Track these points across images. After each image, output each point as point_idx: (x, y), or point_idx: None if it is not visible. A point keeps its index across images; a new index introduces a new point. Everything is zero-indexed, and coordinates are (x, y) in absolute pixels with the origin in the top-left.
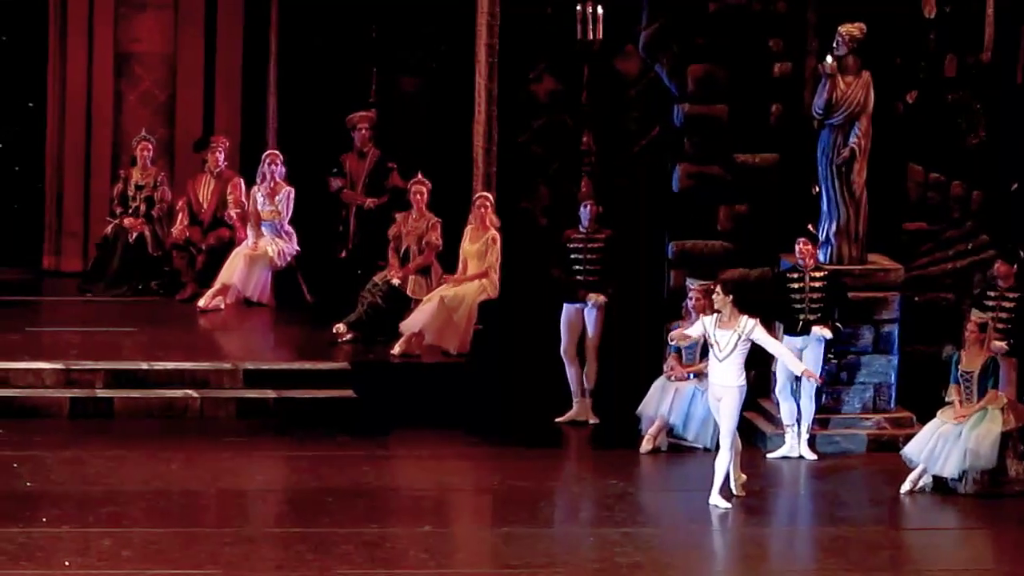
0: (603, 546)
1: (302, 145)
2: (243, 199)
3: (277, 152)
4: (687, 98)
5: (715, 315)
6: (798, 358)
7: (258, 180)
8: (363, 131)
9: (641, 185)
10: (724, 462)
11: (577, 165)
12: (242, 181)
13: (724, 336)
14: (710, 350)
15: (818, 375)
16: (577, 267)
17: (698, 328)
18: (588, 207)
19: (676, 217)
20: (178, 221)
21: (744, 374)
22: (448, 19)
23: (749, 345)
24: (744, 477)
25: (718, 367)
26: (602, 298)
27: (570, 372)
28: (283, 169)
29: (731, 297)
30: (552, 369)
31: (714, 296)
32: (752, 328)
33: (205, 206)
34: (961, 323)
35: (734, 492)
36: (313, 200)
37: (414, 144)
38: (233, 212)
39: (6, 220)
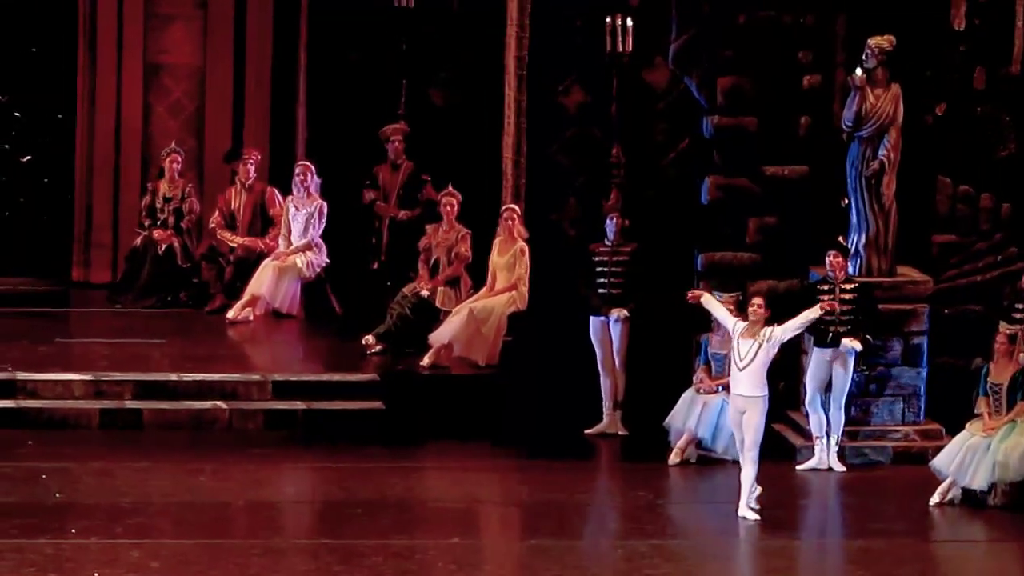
0: (631, 558)
1: (331, 157)
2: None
3: (309, 164)
4: (716, 110)
5: (743, 323)
6: (828, 371)
7: (292, 191)
8: (396, 143)
9: (670, 197)
10: (751, 474)
11: (606, 177)
12: (276, 192)
13: (746, 345)
14: (731, 361)
15: (848, 389)
16: (602, 280)
17: (729, 320)
18: (613, 220)
19: (705, 229)
20: (211, 220)
21: (767, 384)
22: (478, 31)
23: (773, 354)
24: (759, 489)
25: (739, 377)
26: (624, 312)
27: (604, 384)
28: (317, 181)
29: (768, 312)
30: (581, 381)
31: (755, 307)
32: (771, 332)
33: (239, 218)
34: (990, 335)
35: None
36: (344, 212)
37: (443, 156)
38: (275, 242)
39: (36, 231)
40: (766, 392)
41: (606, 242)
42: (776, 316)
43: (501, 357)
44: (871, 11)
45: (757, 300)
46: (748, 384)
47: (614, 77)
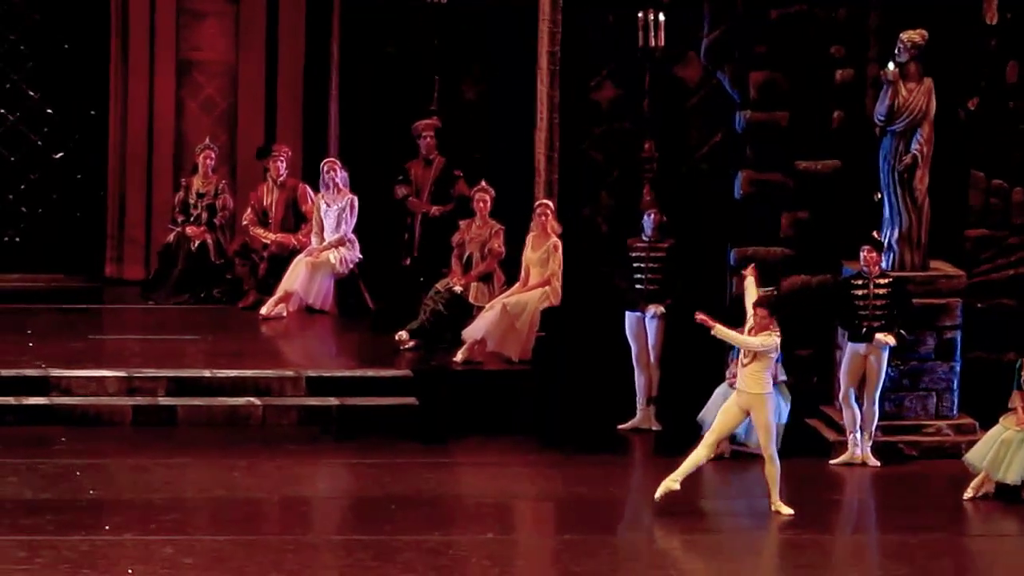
0: (666, 552)
1: (364, 153)
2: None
3: (335, 160)
4: (749, 105)
5: (748, 328)
6: (862, 366)
7: (321, 188)
8: (428, 139)
9: (702, 192)
10: (775, 470)
11: (638, 172)
12: (308, 188)
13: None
14: (740, 353)
15: (881, 383)
16: (638, 276)
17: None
18: (651, 216)
19: (738, 224)
20: (244, 217)
21: (771, 381)
22: (510, 27)
23: (775, 356)
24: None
25: (743, 372)
26: (661, 309)
27: (638, 379)
28: (345, 175)
29: (774, 319)
30: (614, 376)
31: (758, 316)
32: (768, 335)
33: (272, 215)
34: (1023, 329)
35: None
36: (376, 207)
37: (476, 152)
38: (307, 239)
39: (68, 228)
40: (770, 389)
41: (643, 237)
42: (807, 311)
43: (534, 352)
44: (903, 5)
45: (761, 311)
46: (751, 380)
47: (646, 72)
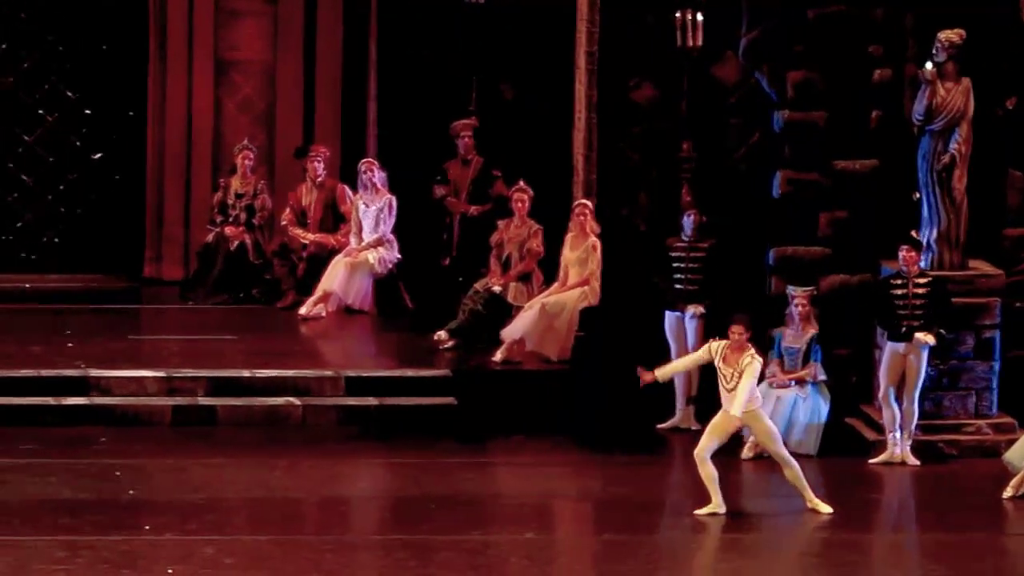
0: (706, 553)
1: (403, 153)
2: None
3: (372, 160)
4: (787, 104)
5: (724, 344)
6: (901, 365)
7: (359, 188)
8: (466, 139)
9: (740, 192)
10: (795, 470)
11: (676, 172)
12: (347, 189)
13: (728, 370)
14: (720, 379)
15: (920, 383)
16: (678, 276)
17: (702, 354)
18: (691, 216)
19: (776, 224)
20: (282, 217)
21: (757, 392)
22: (548, 27)
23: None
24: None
25: (728, 396)
26: (700, 309)
27: (678, 379)
28: (383, 175)
29: (750, 334)
30: None
31: (735, 334)
32: (750, 364)
33: (311, 215)
34: None
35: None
36: (414, 207)
37: (514, 152)
38: (346, 239)
39: (107, 229)
40: (759, 398)
41: (683, 237)
42: (845, 311)
43: (573, 352)
44: (941, 5)
45: (738, 328)
46: (739, 404)
47: (684, 72)
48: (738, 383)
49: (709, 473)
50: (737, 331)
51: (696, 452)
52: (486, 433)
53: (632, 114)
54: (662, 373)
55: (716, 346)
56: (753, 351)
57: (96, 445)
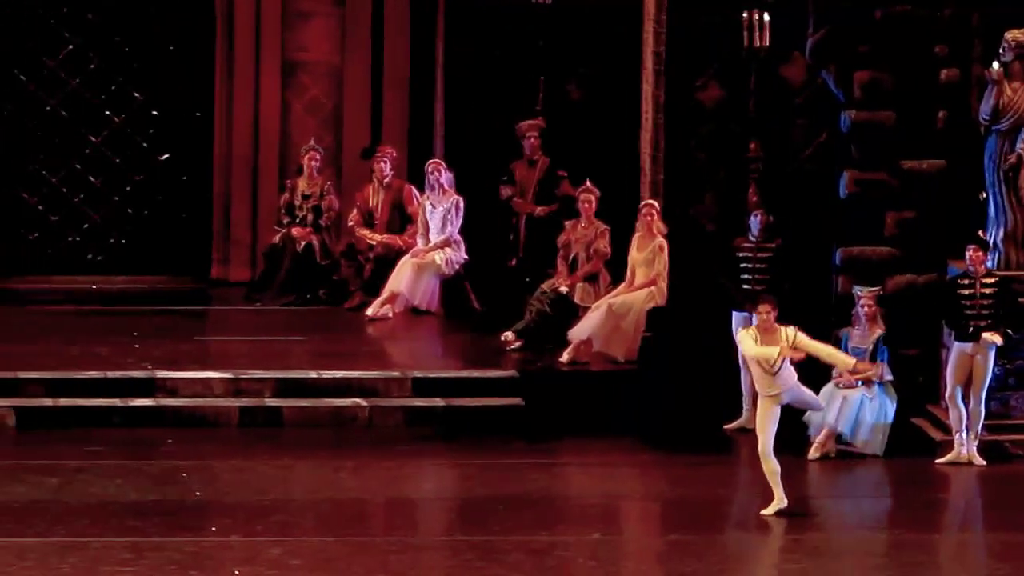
0: (772, 552)
1: (470, 153)
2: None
3: (440, 160)
4: (854, 104)
5: (755, 333)
6: (968, 365)
7: (426, 189)
8: (532, 139)
9: (807, 192)
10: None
11: (744, 172)
12: (414, 189)
13: (771, 351)
14: (760, 367)
15: (987, 383)
16: (745, 276)
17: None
18: (758, 216)
19: (843, 224)
20: (349, 218)
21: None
22: (615, 27)
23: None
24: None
25: (767, 380)
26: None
27: (745, 379)
28: (450, 175)
29: (776, 313)
30: (721, 376)
31: (763, 315)
32: (794, 336)
33: (378, 216)
34: None
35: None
36: (482, 208)
37: (581, 152)
38: (413, 240)
39: (174, 230)
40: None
41: (750, 238)
42: (913, 311)
43: (640, 352)
44: (1008, 4)
45: (764, 307)
46: (784, 384)
47: (751, 72)
48: (781, 364)
49: (772, 468)
50: (764, 310)
51: (760, 450)
52: (553, 434)
53: (699, 114)
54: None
55: (745, 335)
56: (786, 327)
57: (162, 446)
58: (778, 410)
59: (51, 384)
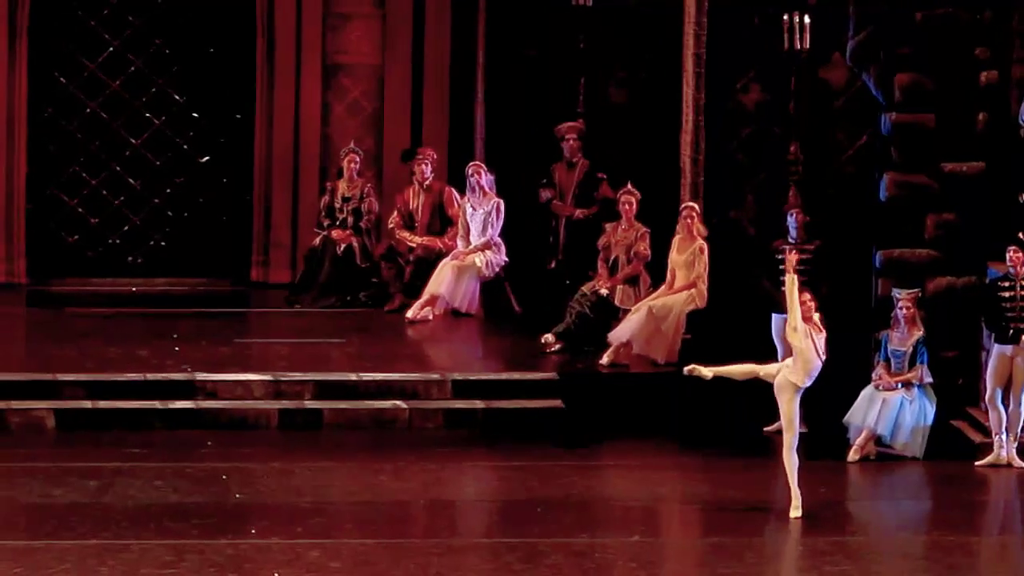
0: (812, 555)
1: (510, 156)
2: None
3: (480, 163)
4: (894, 107)
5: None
6: (1008, 368)
7: (467, 192)
8: (571, 141)
9: (848, 194)
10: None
11: (784, 175)
12: (455, 192)
13: (820, 340)
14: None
15: None
16: (784, 278)
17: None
18: (795, 216)
19: (883, 226)
20: (390, 220)
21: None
22: (655, 29)
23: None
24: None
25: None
26: None
27: None
28: (490, 178)
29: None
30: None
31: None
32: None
33: (418, 218)
34: None
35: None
36: (522, 211)
37: (622, 154)
38: (453, 242)
39: (214, 232)
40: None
41: (789, 239)
42: (953, 314)
43: (680, 355)
44: None
45: (810, 301)
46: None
47: (792, 75)
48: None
49: (793, 463)
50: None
51: (789, 445)
52: (593, 436)
53: (740, 117)
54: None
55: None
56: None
57: (202, 449)
58: (795, 394)
59: (91, 386)
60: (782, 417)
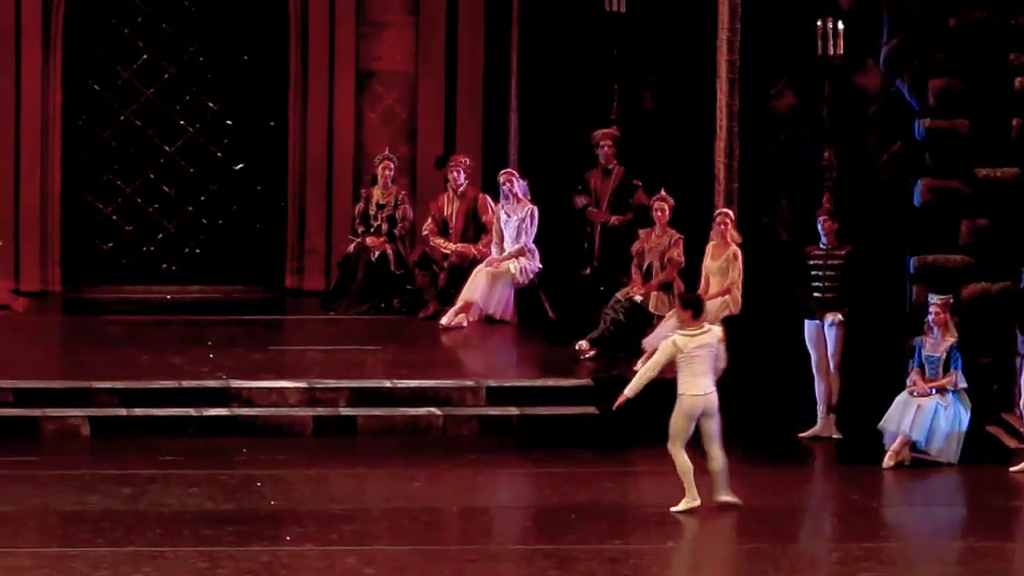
0: (846, 561)
1: (544, 162)
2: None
3: (512, 171)
4: (928, 112)
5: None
6: None
7: (500, 199)
8: (606, 148)
9: (882, 200)
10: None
11: (818, 180)
12: (488, 199)
13: (687, 348)
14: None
15: None
16: (816, 284)
17: (662, 356)
18: (823, 222)
19: (917, 232)
20: (424, 227)
21: (711, 383)
22: (689, 35)
23: (710, 354)
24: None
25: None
26: (839, 316)
27: (819, 387)
28: (524, 184)
29: (690, 311)
30: (795, 384)
31: (679, 312)
32: (710, 332)
33: (452, 225)
34: None
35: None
36: (557, 217)
37: (655, 160)
38: (487, 249)
39: (248, 239)
40: (711, 390)
41: (820, 245)
42: (987, 319)
43: None
44: None
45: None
46: (692, 383)
47: (825, 80)
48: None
49: (683, 464)
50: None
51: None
52: (627, 442)
53: (773, 123)
54: (631, 389)
55: (676, 340)
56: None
57: (237, 456)
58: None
59: (125, 394)
60: None
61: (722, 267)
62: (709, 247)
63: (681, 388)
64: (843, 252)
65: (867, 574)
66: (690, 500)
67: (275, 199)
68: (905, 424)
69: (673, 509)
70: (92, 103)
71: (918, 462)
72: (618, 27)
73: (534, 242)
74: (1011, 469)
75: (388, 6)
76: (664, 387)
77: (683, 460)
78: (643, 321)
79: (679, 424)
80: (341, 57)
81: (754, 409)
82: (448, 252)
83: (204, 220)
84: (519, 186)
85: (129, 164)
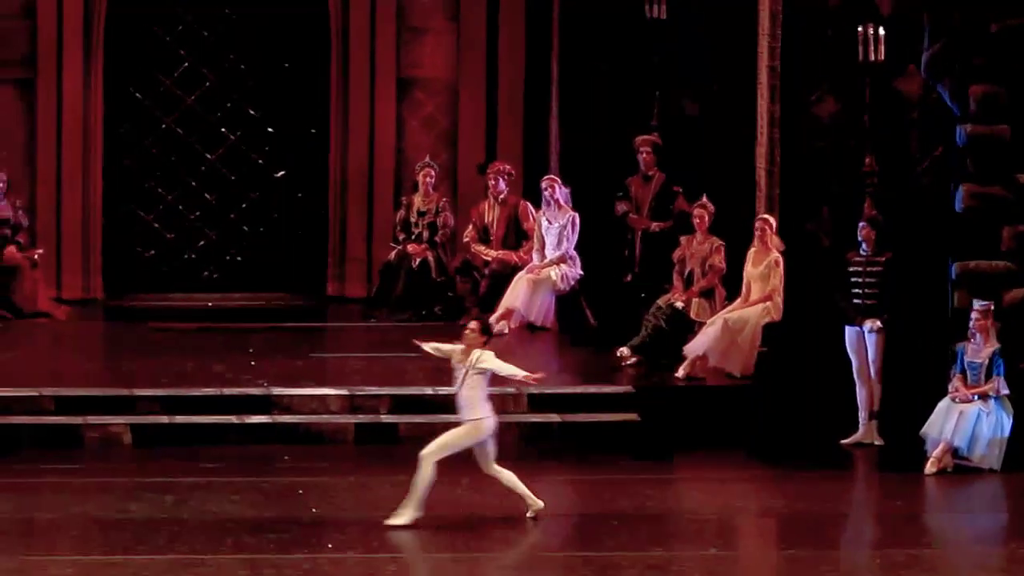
0: (889, 568)
1: (585, 169)
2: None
3: (554, 177)
4: (969, 118)
5: (459, 348)
6: None
7: (542, 205)
8: (647, 154)
9: (924, 206)
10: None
11: (860, 187)
12: (530, 205)
13: (459, 370)
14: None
15: None
16: (856, 290)
17: (446, 350)
18: (862, 229)
19: (959, 237)
20: (465, 234)
21: (487, 406)
22: (730, 42)
23: (484, 378)
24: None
25: (458, 402)
26: (878, 323)
27: (861, 394)
28: (565, 191)
29: (484, 338)
30: (837, 391)
31: (468, 331)
32: (480, 357)
33: (493, 232)
34: None
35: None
36: (598, 224)
37: (697, 167)
38: (528, 256)
39: (290, 247)
40: (486, 415)
41: (860, 252)
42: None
43: (756, 368)
44: None
45: (472, 324)
46: (465, 408)
47: (867, 86)
48: (463, 384)
49: (426, 476)
50: (472, 327)
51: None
52: (669, 449)
53: (814, 129)
54: (427, 346)
55: (456, 351)
56: (481, 350)
57: (279, 463)
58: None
59: (167, 401)
60: None
61: (763, 273)
62: (750, 253)
63: (482, 412)
64: (883, 259)
65: None
66: (412, 512)
67: (316, 206)
68: (947, 430)
69: (388, 521)
70: (133, 111)
71: (960, 468)
72: (659, 34)
73: (575, 249)
74: None
75: (429, 13)
76: (706, 394)
77: (431, 472)
78: (684, 328)
79: (460, 442)
80: (382, 64)
81: (796, 415)
82: (489, 259)
83: (245, 228)
84: (561, 193)
85: (170, 172)
